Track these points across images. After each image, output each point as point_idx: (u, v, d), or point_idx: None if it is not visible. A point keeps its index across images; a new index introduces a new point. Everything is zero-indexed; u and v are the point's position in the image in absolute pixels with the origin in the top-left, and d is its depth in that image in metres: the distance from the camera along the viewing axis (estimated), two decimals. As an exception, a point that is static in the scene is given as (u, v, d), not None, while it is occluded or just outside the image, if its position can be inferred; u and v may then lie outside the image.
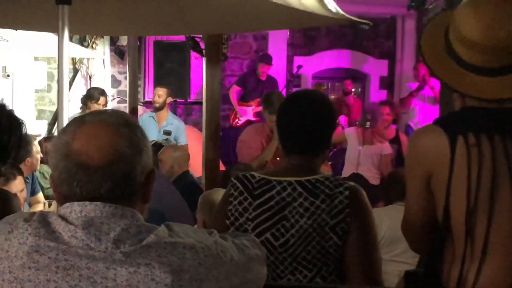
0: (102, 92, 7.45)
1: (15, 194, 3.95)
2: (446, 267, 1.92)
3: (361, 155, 6.62)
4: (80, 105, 7.56)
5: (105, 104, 7.40)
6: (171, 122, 7.27)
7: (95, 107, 7.11)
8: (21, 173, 4.09)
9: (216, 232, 1.41)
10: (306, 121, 2.22)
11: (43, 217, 1.30)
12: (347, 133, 6.92)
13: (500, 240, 1.81)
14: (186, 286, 1.24)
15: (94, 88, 7.75)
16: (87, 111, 6.96)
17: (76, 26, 3.50)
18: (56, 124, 7.85)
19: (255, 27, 5.99)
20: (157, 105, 7.26)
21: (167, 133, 7.10)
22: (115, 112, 1.39)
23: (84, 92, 8.06)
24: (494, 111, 1.84)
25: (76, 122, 1.35)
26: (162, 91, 7.29)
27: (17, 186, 3.94)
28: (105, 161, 1.29)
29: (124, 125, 1.34)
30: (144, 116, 7.69)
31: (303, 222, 2.10)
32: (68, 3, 3.19)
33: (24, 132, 2.17)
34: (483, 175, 1.78)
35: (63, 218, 1.28)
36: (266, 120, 5.34)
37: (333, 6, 3.41)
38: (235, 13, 4.20)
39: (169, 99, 7.41)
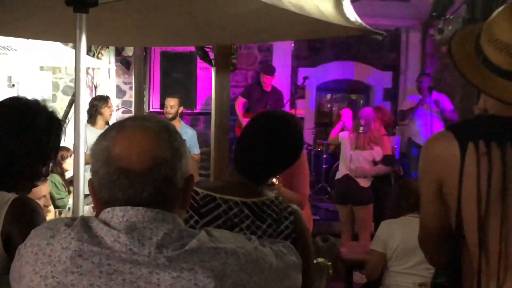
0: (106, 97, 7.44)
1: (39, 198, 3.94)
2: (467, 279, 1.90)
3: (352, 159, 6.77)
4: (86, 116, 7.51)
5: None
6: (185, 131, 7.26)
7: (107, 111, 7.09)
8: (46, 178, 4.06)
9: (255, 238, 1.41)
10: (267, 151, 2.11)
11: (84, 221, 1.29)
12: (341, 137, 7.12)
13: None
14: None
15: (95, 97, 7.65)
16: (99, 117, 6.97)
17: (90, 36, 3.49)
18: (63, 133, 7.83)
19: (266, 38, 6.00)
20: (170, 116, 7.25)
21: None
22: (154, 118, 1.39)
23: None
24: (509, 120, 1.83)
25: (116, 127, 1.35)
26: (174, 102, 7.29)
27: (46, 189, 3.92)
28: (146, 166, 1.28)
29: (164, 130, 1.34)
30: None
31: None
32: (86, 12, 3.18)
33: (63, 132, 2.15)
34: (492, 184, 1.77)
35: (105, 223, 1.28)
36: None
37: (352, 15, 3.40)
38: (247, 24, 4.20)
39: (181, 109, 7.42)
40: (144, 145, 1.30)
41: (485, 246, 1.80)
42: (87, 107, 7.71)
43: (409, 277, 3.97)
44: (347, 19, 3.36)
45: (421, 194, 1.99)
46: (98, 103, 7.11)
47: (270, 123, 2.17)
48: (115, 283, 1.22)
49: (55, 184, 4.97)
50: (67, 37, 4.56)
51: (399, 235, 4.12)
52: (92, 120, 7.02)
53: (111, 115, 7.26)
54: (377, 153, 6.76)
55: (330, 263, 3.72)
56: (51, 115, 2.13)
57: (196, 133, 7.47)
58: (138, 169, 1.28)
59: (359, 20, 3.49)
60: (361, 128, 6.84)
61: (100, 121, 7.02)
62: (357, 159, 6.76)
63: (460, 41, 1.96)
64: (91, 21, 3.44)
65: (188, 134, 7.23)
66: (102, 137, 1.35)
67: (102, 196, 1.32)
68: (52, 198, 4.80)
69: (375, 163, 6.78)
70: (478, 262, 1.83)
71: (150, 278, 1.22)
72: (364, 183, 6.73)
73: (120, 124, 1.37)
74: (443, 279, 2.17)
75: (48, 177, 4.73)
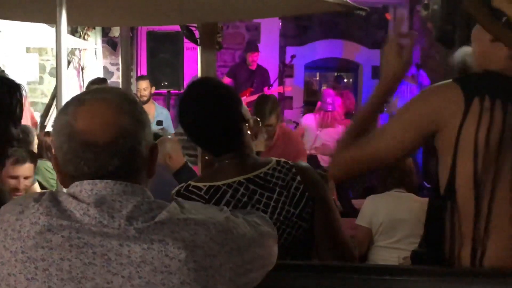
0: (103, 79, 7.41)
1: (14, 178, 3.92)
2: (455, 245, 1.88)
3: (318, 138, 6.83)
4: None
5: None
6: (161, 112, 7.28)
7: None
8: (34, 161, 4.04)
9: (226, 208, 1.42)
10: (217, 119, 2.03)
11: (53, 196, 1.29)
12: (305, 122, 7.16)
13: (503, 212, 1.80)
14: (200, 261, 1.24)
15: (92, 80, 7.57)
16: None
17: (72, 17, 3.48)
18: (49, 116, 7.81)
19: (250, 15, 5.98)
20: (145, 98, 7.26)
21: (160, 122, 7.10)
22: (113, 89, 1.40)
23: (77, 83, 8.00)
24: None
25: (75, 101, 1.34)
26: (146, 84, 7.29)
27: (24, 171, 3.89)
28: (111, 138, 1.28)
29: (125, 101, 1.34)
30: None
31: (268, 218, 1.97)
32: (66, -9, 3.16)
33: (24, 94, 2.13)
34: (490, 141, 1.77)
35: (74, 196, 1.28)
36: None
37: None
38: (230, 1, 4.19)
39: (153, 89, 7.44)
40: (106, 117, 1.29)
41: (479, 206, 1.80)
42: (75, 88, 7.68)
43: (394, 251, 4.00)
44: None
45: (388, 125, 1.94)
46: (97, 86, 7.06)
47: (207, 91, 2.08)
48: (85, 256, 1.22)
49: (46, 169, 4.95)
50: (51, 18, 4.55)
51: (384, 210, 4.15)
52: None
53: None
54: (342, 130, 6.79)
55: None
56: (8, 79, 2.12)
57: (169, 112, 7.49)
58: (102, 142, 1.28)
59: (340, -4, 3.49)
60: (328, 106, 6.91)
61: None
62: (323, 138, 6.81)
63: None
64: (73, 2, 3.42)
65: (163, 114, 7.25)
66: (62, 112, 1.34)
67: (67, 171, 1.32)
68: (40, 185, 4.78)
69: None
70: (473, 222, 1.81)
71: (121, 250, 1.22)
72: (325, 163, 6.69)
73: (78, 98, 1.35)
74: (423, 250, 2.17)
75: (39, 164, 4.74)
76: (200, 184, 2.02)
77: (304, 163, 2.19)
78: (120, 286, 1.21)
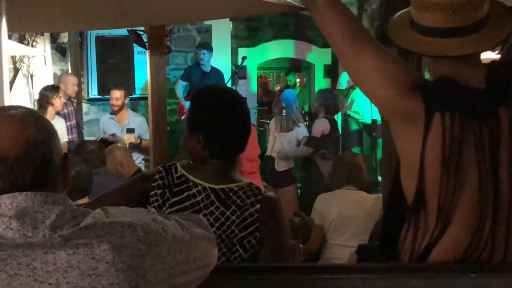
0: (57, 87, 7.28)
1: None
2: (417, 237, 1.89)
3: (277, 141, 6.84)
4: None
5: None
6: (133, 119, 7.21)
7: (58, 102, 6.93)
8: None
9: (154, 210, 1.42)
10: (234, 122, 2.15)
11: None
12: (270, 123, 7.21)
13: (467, 208, 1.82)
14: (128, 262, 1.24)
15: (45, 87, 7.42)
16: (50, 107, 6.84)
17: (14, 24, 3.42)
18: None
19: (198, 17, 5.96)
20: (116, 108, 7.19)
21: (131, 130, 7.04)
22: (14, 106, 1.40)
23: (27, 91, 7.86)
24: (473, 91, 1.84)
25: None
26: (119, 93, 7.20)
27: None
28: (22, 150, 1.28)
29: (29, 115, 1.35)
30: (104, 118, 7.62)
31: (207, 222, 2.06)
32: (5, -2, 3.11)
33: None
34: (453, 156, 1.79)
35: None
36: None
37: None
38: (177, 3, 4.17)
39: (127, 100, 7.36)
40: (14, 130, 1.30)
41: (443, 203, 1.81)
42: (25, 96, 7.54)
43: (347, 249, 4.04)
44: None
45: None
46: (49, 94, 6.96)
47: (230, 96, 2.22)
48: (10, 268, 1.21)
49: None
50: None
51: (335, 207, 4.20)
52: (42, 110, 6.85)
53: (62, 105, 7.12)
54: (300, 133, 6.83)
55: (301, 245, 3.69)
56: None
57: (145, 119, 7.41)
58: (14, 155, 1.28)
59: (285, -2, 3.51)
60: (284, 110, 6.89)
61: (50, 112, 6.87)
62: (281, 141, 6.82)
63: (395, 23, 1.98)
64: (14, 7, 3.36)
65: (136, 122, 7.19)
66: None
67: None
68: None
69: (299, 144, 6.82)
70: (437, 211, 1.82)
71: (46, 258, 1.21)
72: (284, 166, 6.78)
73: None
74: (371, 244, 2.19)
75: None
76: (179, 168, 2.15)
77: (275, 195, 2.21)
78: None
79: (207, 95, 2.23)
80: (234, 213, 2.06)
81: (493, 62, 2.01)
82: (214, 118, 2.13)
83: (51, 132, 1.36)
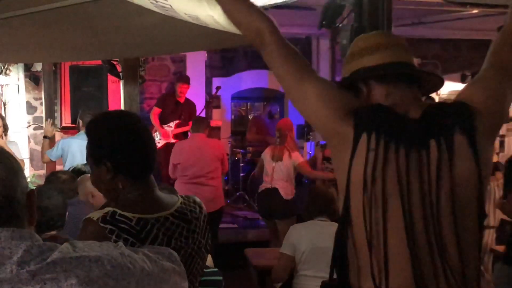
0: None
1: None
2: (357, 274, 1.94)
3: (275, 171, 6.83)
4: None
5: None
6: None
7: None
8: None
9: (122, 244, 1.42)
10: (145, 144, 2.14)
11: None
12: (263, 154, 7.17)
13: (396, 244, 1.86)
14: None
15: None
16: None
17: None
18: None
19: (172, 50, 6.01)
20: None
21: None
22: None
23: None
24: (406, 119, 1.93)
25: None
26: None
27: None
28: None
29: None
30: (79, 141, 7.42)
31: (187, 248, 2.11)
32: (-21, 30, 3.13)
33: None
34: (376, 177, 1.86)
35: None
36: None
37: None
38: (152, 36, 4.22)
39: None
40: None
41: (371, 237, 1.86)
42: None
43: (317, 280, 4.05)
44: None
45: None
46: None
47: (133, 119, 2.19)
48: None
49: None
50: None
51: (307, 238, 4.22)
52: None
53: (1, 136, 7.03)
54: (296, 157, 6.82)
55: None
56: None
57: None
58: None
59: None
60: (277, 140, 6.95)
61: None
62: (280, 169, 6.80)
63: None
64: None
65: None
66: None
67: None
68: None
69: (295, 170, 6.84)
70: (369, 255, 1.87)
71: None
72: (288, 195, 6.76)
73: None
74: (331, 281, 2.19)
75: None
76: (128, 214, 2.01)
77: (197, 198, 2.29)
78: None
79: (101, 122, 2.19)
80: (196, 226, 2.15)
81: (438, 102, 2.15)
82: (115, 139, 2.10)
83: (15, 170, 1.36)
